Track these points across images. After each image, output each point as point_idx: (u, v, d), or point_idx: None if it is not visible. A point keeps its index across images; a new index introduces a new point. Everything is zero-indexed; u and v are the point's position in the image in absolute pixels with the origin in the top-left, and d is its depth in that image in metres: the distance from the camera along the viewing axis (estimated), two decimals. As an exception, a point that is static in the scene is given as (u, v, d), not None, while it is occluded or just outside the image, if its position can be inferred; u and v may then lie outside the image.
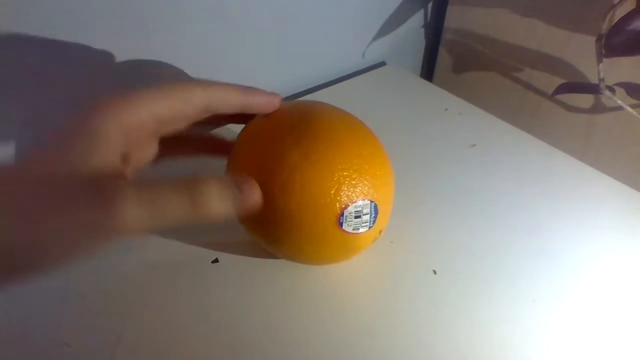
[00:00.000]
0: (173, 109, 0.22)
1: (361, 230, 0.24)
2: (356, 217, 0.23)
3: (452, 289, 0.29)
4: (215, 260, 0.30)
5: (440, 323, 0.27)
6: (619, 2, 0.36)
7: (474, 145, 0.41)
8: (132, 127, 0.20)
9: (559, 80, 0.47)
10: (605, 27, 0.37)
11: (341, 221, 0.23)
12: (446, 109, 0.47)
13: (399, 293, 0.28)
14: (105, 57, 0.35)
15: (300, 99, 0.47)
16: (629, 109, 0.39)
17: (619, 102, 0.40)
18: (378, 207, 0.24)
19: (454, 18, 0.55)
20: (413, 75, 0.54)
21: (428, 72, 0.64)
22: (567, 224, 0.34)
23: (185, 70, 0.40)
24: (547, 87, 0.49)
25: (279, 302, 0.28)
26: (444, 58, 0.60)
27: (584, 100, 0.47)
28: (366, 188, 0.23)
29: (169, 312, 0.27)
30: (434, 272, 0.30)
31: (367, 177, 0.23)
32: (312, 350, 0.25)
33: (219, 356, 0.25)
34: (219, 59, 0.42)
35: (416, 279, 0.29)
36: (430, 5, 0.57)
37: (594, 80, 0.41)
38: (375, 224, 0.24)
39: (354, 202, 0.23)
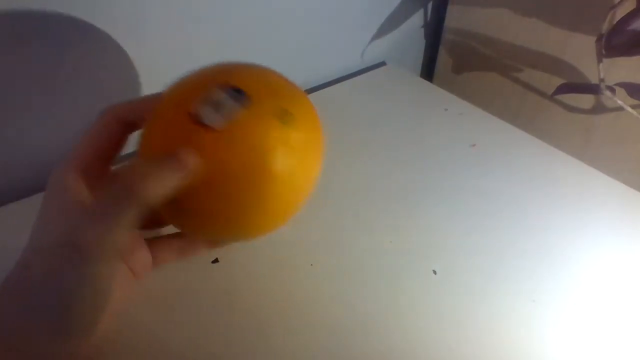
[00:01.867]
0: (104, 142, 0.23)
1: (230, 116, 0.20)
2: (214, 107, 0.20)
3: (452, 289, 0.29)
4: (215, 261, 0.30)
5: (440, 323, 0.27)
6: (619, 2, 0.36)
7: (474, 145, 0.41)
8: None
9: (559, 80, 0.47)
10: (605, 27, 0.37)
11: (198, 114, 0.20)
12: (446, 109, 0.47)
13: (398, 293, 0.28)
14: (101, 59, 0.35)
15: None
16: (629, 109, 0.39)
17: (619, 102, 0.40)
18: (247, 92, 0.21)
19: (454, 18, 0.55)
20: (413, 75, 0.54)
21: (428, 72, 0.64)
22: (567, 224, 0.34)
23: (186, 72, 0.40)
24: (547, 87, 0.49)
25: (278, 301, 0.28)
26: (444, 58, 0.60)
27: (584, 100, 0.47)
28: (215, 81, 0.21)
29: (168, 312, 0.27)
30: (434, 272, 0.30)
31: (217, 74, 0.22)
32: (310, 350, 0.25)
33: (217, 356, 0.25)
34: (218, 60, 0.42)
35: (416, 279, 0.29)
36: (430, 5, 0.57)
37: (594, 80, 0.42)
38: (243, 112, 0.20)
39: (205, 94, 0.20)
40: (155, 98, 0.23)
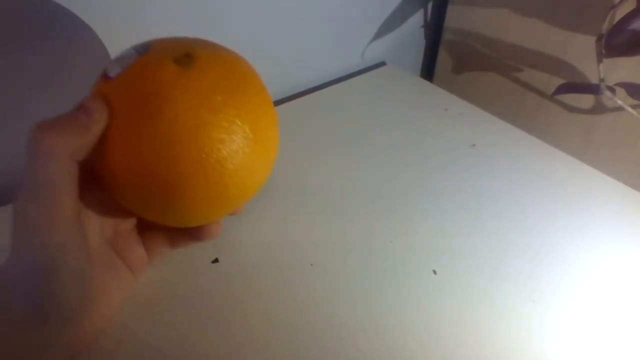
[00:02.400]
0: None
1: (126, 64, 0.20)
2: (117, 62, 0.21)
3: (452, 289, 0.29)
4: (215, 260, 0.30)
5: (440, 323, 0.27)
6: (619, 2, 0.36)
7: (474, 145, 0.41)
8: None
9: (559, 80, 0.47)
10: (605, 27, 0.37)
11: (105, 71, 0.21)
12: (446, 109, 0.47)
13: (399, 293, 0.28)
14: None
15: (298, 99, 0.48)
16: (629, 109, 0.39)
17: (619, 102, 0.40)
18: (152, 45, 0.21)
19: (454, 18, 0.55)
20: (413, 75, 0.54)
21: (428, 72, 0.64)
22: (567, 224, 0.34)
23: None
24: (547, 87, 0.49)
25: (278, 301, 0.28)
26: (444, 58, 0.60)
27: (584, 100, 0.47)
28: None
29: (169, 311, 0.27)
30: (434, 272, 0.30)
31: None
32: (310, 350, 0.25)
33: (216, 356, 0.25)
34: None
35: (416, 279, 0.29)
36: (430, 5, 0.57)
37: (594, 80, 0.42)
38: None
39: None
40: None
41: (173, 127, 0.20)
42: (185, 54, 0.21)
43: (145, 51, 0.21)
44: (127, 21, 0.34)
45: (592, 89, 0.42)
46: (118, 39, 0.34)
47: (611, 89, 0.40)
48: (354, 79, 0.52)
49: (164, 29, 0.36)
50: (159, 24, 0.36)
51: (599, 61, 0.39)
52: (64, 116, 0.19)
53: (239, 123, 0.21)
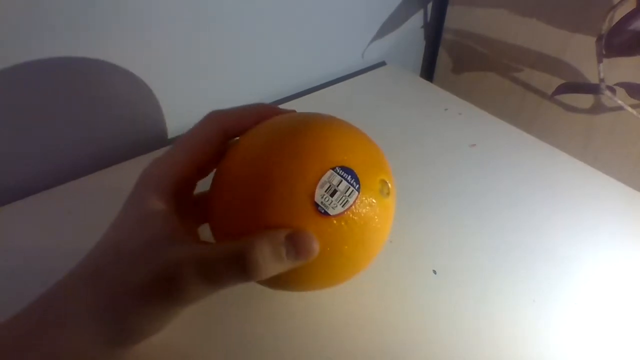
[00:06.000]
0: (205, 155, 0.23)
1: (348, 203, 0.20)
2: (332, 194, 0.20)
3: (452, 289, 0.29)
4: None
5: (441, 323, 0.27)
6: (619, 2, 0.36)
7: (474, 145, 0.41)
8: (180, 191, 0.22)
9: (559, 81, 0.47)
10: (605, 27, 0.37)
11: (318, 203, 0.20)
12: (446, 109, 0.47)
13: (399, 293, 0.28)
14: (107, 60, 0.35)
15: (298, 99, 0.48)
16: (629, 109, 0.39)
17: (619, 102, 0.40)
18: (356, 172, 0.21)
19: (454, 18, 0.56)
20: (413, 75, 0.54)
21: (428, 72, 0.64)
22: (567, 224, 0.34)
23: (186, 71, 0.40)
24: (547, 87, 0.49)
25: (279, 302, 0.28)
26: (443, 58, 0.60)
27: (584, 100, 0.47)
28: (326, 160, 0.21)
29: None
30: (434, 272, 0.30)
31: (324, 149, 0.21)
32: (309, 350, 0.25)
33: (220, 355, 0.25)
34: (219, 60, 0.42)
35: (416, 279, 0.29)
36: (430, 5, 0.57)
37: (594, 80, 0.42)
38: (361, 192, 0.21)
39: (321, 179, 0.20)
40: (258, 111, 0.23)
41: (369, 248, 0.23)
42: (385, 184, 0.23)
43: (355, 184, 0.21)
44: (130, 21, 0.34)
45: (592, 89, 0.42)
46: (121, 37, 0.34)
47: (611, 89, 0.40)
48: (354, 79, 0.52)
49: (164, 29, 0.36)
50: (160, 23, 0.36)
51: (599, 61, 0.39)
52: (282, 248, 0.19)
53: None
